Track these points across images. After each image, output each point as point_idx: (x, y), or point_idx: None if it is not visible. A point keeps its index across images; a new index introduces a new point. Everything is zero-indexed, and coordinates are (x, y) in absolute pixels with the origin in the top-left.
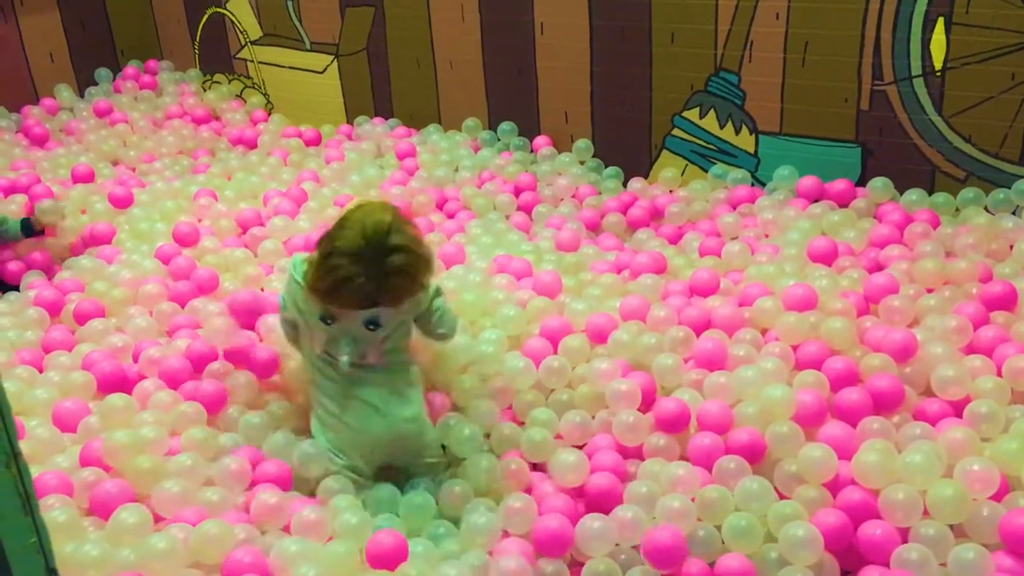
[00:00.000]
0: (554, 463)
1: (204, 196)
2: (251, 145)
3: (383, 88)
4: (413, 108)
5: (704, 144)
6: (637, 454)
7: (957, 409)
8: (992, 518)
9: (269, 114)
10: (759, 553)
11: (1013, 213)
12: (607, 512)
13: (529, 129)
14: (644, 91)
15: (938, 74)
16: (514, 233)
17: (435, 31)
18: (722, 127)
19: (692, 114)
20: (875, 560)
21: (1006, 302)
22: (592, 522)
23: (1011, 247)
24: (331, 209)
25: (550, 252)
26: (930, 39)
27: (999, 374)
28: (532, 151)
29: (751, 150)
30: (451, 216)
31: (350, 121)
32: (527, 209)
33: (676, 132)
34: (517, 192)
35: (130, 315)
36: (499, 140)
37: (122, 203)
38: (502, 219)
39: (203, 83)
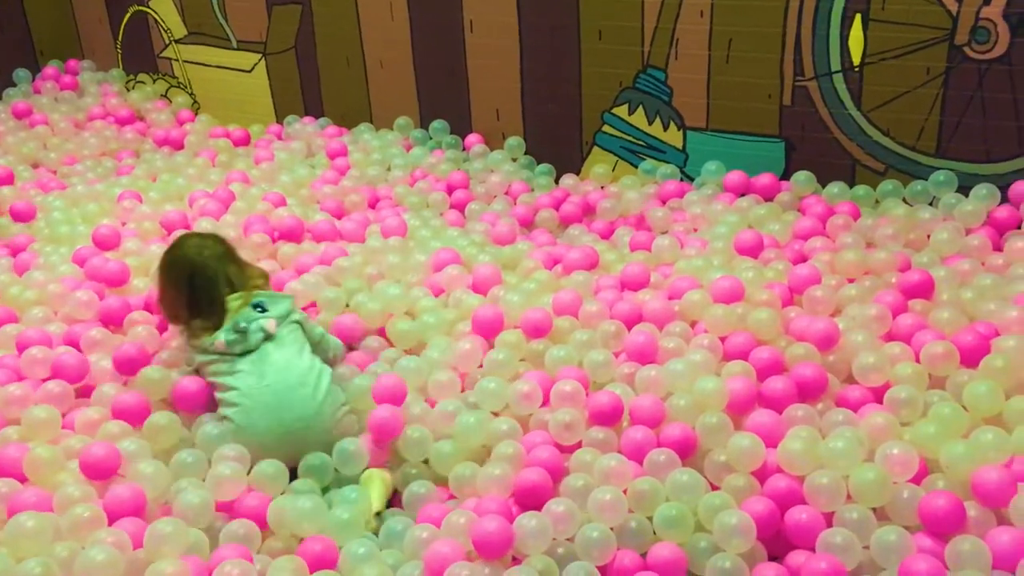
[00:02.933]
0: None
1: (128, 198)
2: (177, 146)
3: (313, 87)
4: (344, 107)
5: (634, 140)
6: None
7: (878, 395)
8: (912, 500)
9: (196, 114)
10: (690, 543)
11: (930, 204)
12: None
13: (461, 127)
14: (574, 88)
15: (856, 69)
16: (451, 229)
17: (364, 29)
18: (651, 123)
19: (621, 111)
20: (801, 545)
21: (923, 290)
22: (528, 520)
23: (928, 237)
24: (260, 205)
25: (486, 245)
26: (848, 35)
27: (917, 360)
28: (464, 149)
29: (679, 146)
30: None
31: (280, 120)
32: (460, 207)
33: (606, 129)
34: (450, 190)
35: (40, 318)
36: (431, 139)
37: (24, 217)
38: (436, 216)
39: (126, 83)
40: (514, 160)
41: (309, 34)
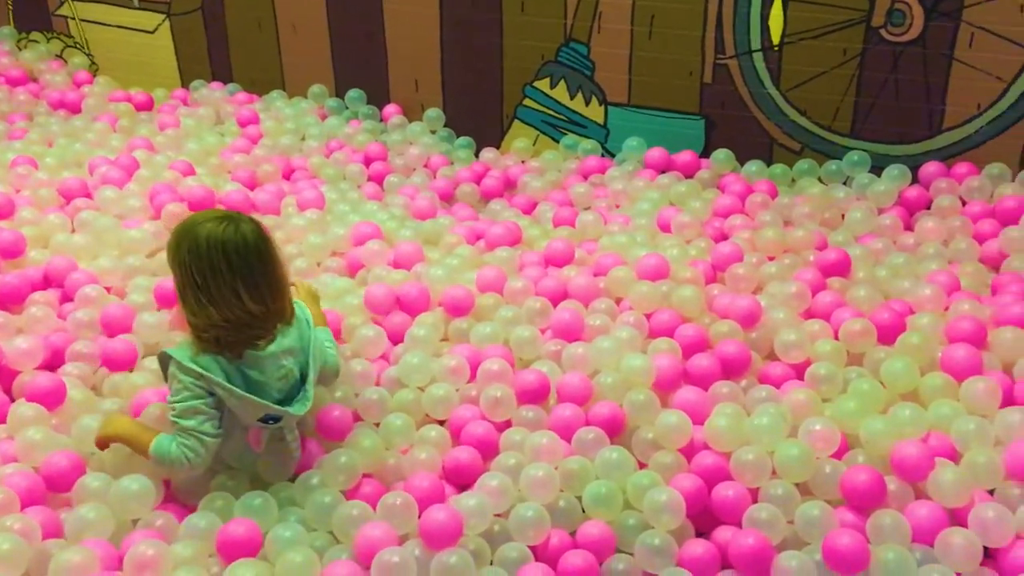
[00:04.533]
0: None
1: (22, 164)
2: (74, 109)
3: (221, 51)
4: (254, 73)
5: (555, 115)
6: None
7: (799, 371)
8: (834, 475)
9: (94, 76)
10: (619, 520)
11: (844, 183)
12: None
13: (378, 97)
14: (495, 61)
15: (776, 49)
16: (370, 202)
17: None
18: (572, 98)
19: (543, 84)
20: (728, 520)
21: (841, 268)
22: (468, 499)
23: (843, 216)
24: (167, 174)
25: (407, 220)
26: (768, 15)
27: (836, 337)
28: (382, 120)
29: (601, 121)
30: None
31: (185, 85)
32: (378, 179)
33: (527, 102)
34: (367, 162)
35: None
36: (347, 108)
37: None
38: (354, 188)
39: (18, 42)
40: (433, 132)
41: None
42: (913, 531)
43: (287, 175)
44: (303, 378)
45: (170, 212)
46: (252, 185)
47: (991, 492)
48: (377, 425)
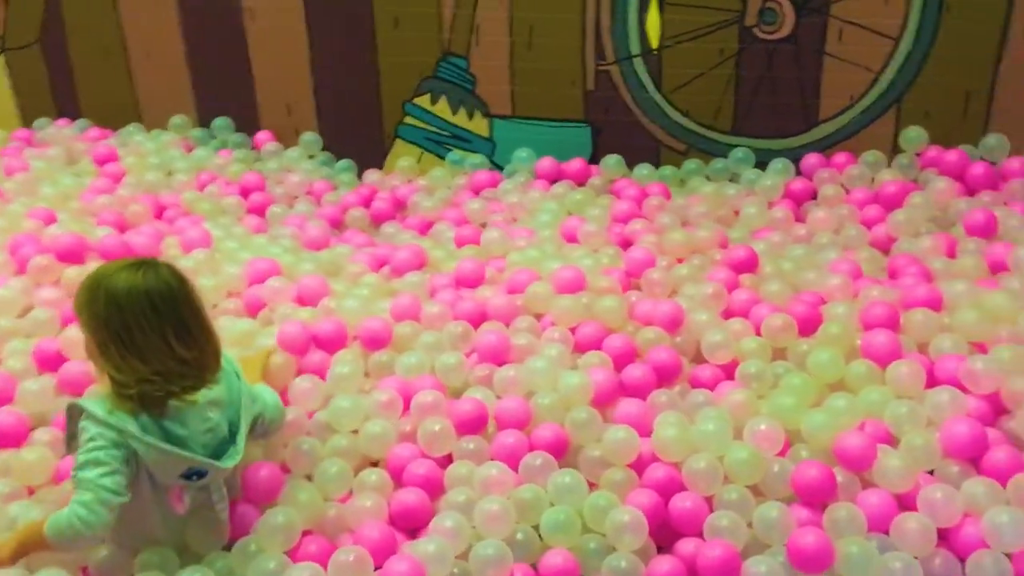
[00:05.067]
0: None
1: None
2: None
3: (65, 85)
4: (105, 106)
5: (438, 131)
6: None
7: (728, 372)
8: (783, 474)
9: None
10: (580, 545)
11: (731, 180)
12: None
13: (248, 124)
14: (371, 79)
15: (655, 52)
16: (264, 237)
17: (124, 16)
18: (455, 113)
19: (423, 101)
20: (688, 532)
21: (750, 265)
22: (425, 546)
23: (736, 212)
24: (26, 223)
25: (302, 252)
26: (645, 19)
27: (758, 333)
28: (254, 148)
29: (485, 134)
30: (171, 224)
31: (27, 124)
32: (259, 211)
33: (408, 120)
34: (244, 193)
35: None
36: (214, 137)
37: None
38: (235, 223)
39: None
40: (311, 157)
41: (58, 24)
42: (868, 521)
43: (158, 214)
44: (232, 434)
45: (38, 265)
46: (123, 228)
47: (931, 472)
48: (309, 477)
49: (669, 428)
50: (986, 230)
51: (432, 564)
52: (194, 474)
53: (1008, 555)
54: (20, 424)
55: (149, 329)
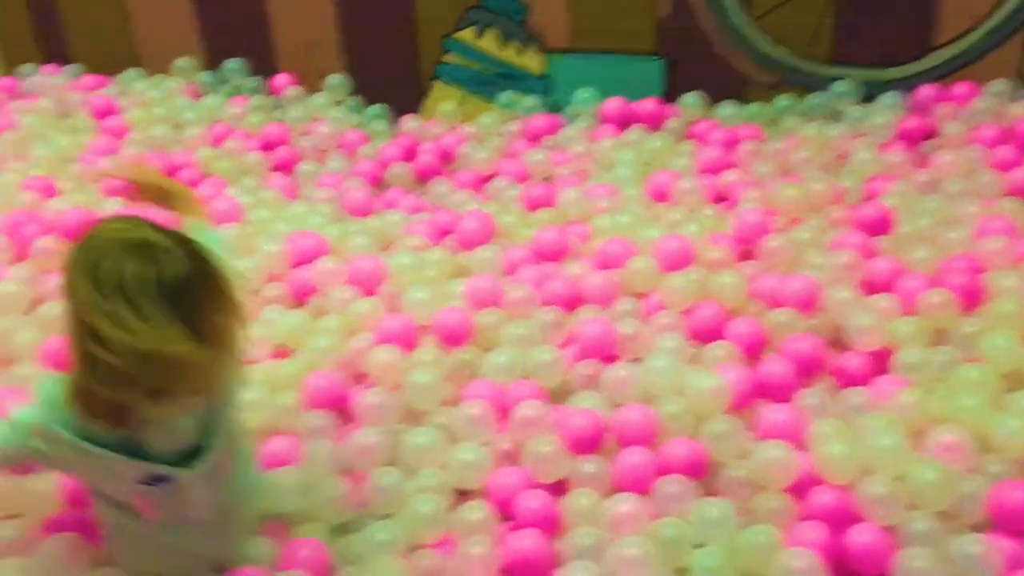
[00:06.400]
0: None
1: None
2: None
3: (50, 24)
4: (98, 49)
5: (484, 69)
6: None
7: (879, 361)
8: (975, 495)
9: None
10: None
11: (830, 118)
12: None
13: (263, 66)
14: (406, 10)
15: None
16: (300, 204)
17: None
18: (503, 47)
19: (467, 34)
20: (868, 571)
21: (882, 225)
22: None
23: (841, 157)
24: (21, 196)
25: (348, 221)
26: None
27: (910, 312)
28: (272, 93)
29: (540, 72)
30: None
31: (9, 72)
32: (285, 168)
33: (449, 57)
34: (266, 148)
35: None
36: (225, 82)
37: None
38: (261, 185)
39: None
40: (338, 103)
41: None
42: None
43: (171, 175)
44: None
45: (42, 249)
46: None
47: None
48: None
49: (833, 443)
50: None
51: None
52: (155, 479)
53: None
54: None
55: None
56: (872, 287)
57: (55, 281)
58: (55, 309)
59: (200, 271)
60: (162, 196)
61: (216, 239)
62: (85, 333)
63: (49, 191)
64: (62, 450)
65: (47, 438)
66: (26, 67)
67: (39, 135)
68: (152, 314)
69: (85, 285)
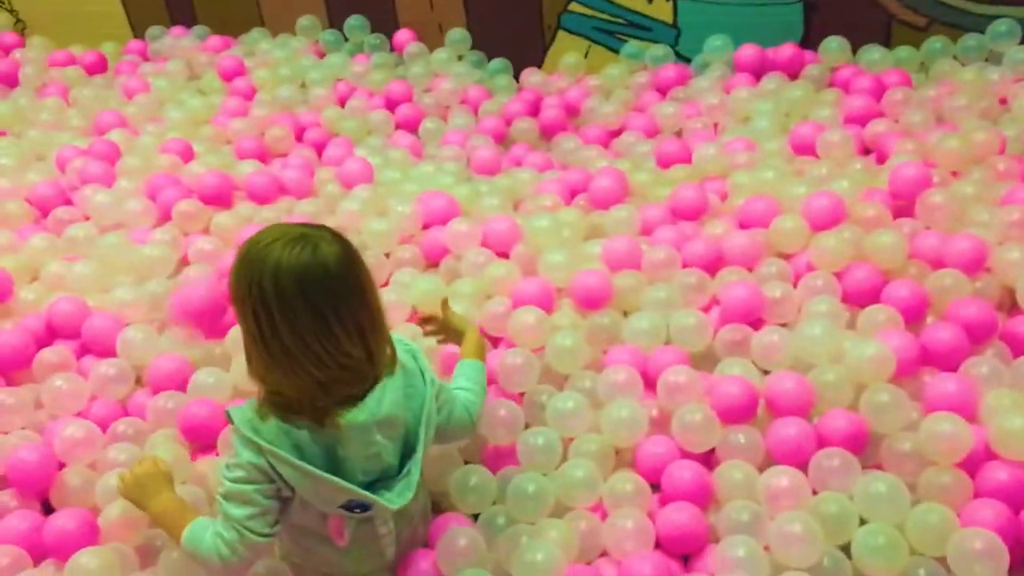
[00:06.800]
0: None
1: None
2: (9, 82)
3: None
4: (223, 10)
5: (610, 18)
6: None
7: None
8: None
9: (23, 37)
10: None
11: (986, 61)
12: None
13: (385, 23)
14: None
15: None
16: (428, 163)
17: None
18: None
19: None
20: None
21: None
22: None
23: (1003, 102)
24: (160, 160)
25: (478, 181)
26: None
27: None
28: (394, 50)
29: (668, 19)
30: (319, 149)
31: (139, 35)
32: (408, 126)
33: (573, 7)
34: (390, 106)
35: None
36: (347, 40)
37: None
38: (387, 145)
39: None
40: (460, 58)
41: None
42: None
43: (298, 136)
44: (402, 462)
45: (183, 212)
46: (265, 157)
47: None
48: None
49: (1012, 416)
50: None
51: None
52: (356, 506)
53: None
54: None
55: (302, 322)
56: None
57: (200, 243)
58: (199, 271)
59: (349, 256)
60: (448, 332)
61: (477, 370)
62: (317, 330)
63: (188, 154)
64: (285, 470)
65: (275, 457)
66: (155, 30)
67: (171, 98)
68: (291, 328)
69: (236, 303)
